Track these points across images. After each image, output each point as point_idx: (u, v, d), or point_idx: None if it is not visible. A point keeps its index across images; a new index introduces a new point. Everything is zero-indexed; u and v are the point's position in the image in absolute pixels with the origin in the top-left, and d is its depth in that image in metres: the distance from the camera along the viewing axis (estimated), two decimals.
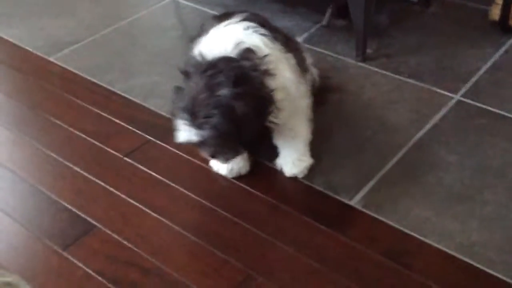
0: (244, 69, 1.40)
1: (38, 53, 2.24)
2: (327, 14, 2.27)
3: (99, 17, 2.44)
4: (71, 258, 1.45)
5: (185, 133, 1.42)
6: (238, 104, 1.37)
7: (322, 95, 1.90)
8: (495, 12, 2.19)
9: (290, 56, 1.55)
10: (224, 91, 1.37)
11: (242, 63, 1.41)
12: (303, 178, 1.66)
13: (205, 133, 1.39)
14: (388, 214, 1.54)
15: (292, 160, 1.65)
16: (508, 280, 1.37)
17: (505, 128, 1.79)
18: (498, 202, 1.56)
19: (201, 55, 1.44)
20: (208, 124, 1.38)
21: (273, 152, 1.68)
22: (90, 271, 1.42)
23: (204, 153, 1.52)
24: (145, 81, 2.07)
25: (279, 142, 1.66)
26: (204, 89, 1.38)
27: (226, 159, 1.55)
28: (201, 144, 1.45)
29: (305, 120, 1.64)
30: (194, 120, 1.39)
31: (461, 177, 1.64)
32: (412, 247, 1.46)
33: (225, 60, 1.41)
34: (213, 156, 1.52)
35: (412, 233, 1.49)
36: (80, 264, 1.44)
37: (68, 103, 1.98)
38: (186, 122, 1.40)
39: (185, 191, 1.64)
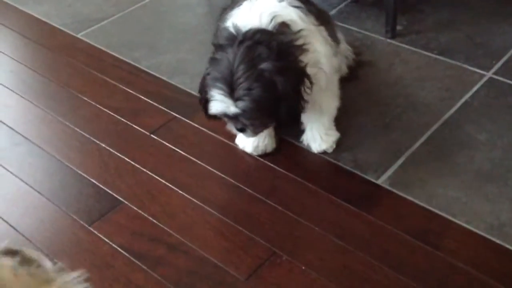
0: (283, 43, 1.38)
1: (66, 30, 2.25)
2: None
3: None
4: (97, 233, 1.47)
5: (220, 104, 1.40)
6: (279, 79, 1.36)
7: (352, 71, 1.87)
8: None
9: (322, 29, 1.53)
10: (266, 65, 1.35)
11: (280, 37, 1.39)
12: (329, 155, 1.64)
13: (244, 105, 1.36)
14: (416, 194, 1.52)
15: (320, 135, 1.63)
16: None
17: None
18: None
19: (235, 27, 1.41)
20: (248, 97, 1.35)
21: (298, 129, 1.66)
22: (116, 246, 1.43)
23: (233, 127, 1.48)
24: (172, 58, 2.07)
25: (305, 117, 1.63)
26: (243, 61, 1.35)
27: (255, 133, 1.50)
28: (235, 116, 1.41)
29: (334, 95, 1.62)
30: (233, 91, 1.36)
31: (492, 157, 1.60)
32: (440, 227, 1.44)
33: (263, 33, 1.38)
34: (242, 130, 1.47)
35: (441, 213, 1.47)
36: (106, 239, 1.45)
37: (95, 80, 1.99)
38: (223, 93, 1.37)
39: (211, 168, 1.63)
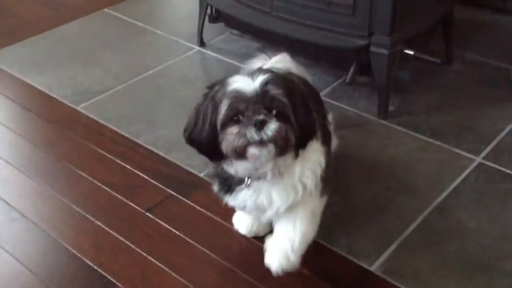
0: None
1: (66, 102, 2.29)
2: (351, 72, 2.29)
3: (127, 67, 2.50)
4: None
5: (241, 80, 1.24)
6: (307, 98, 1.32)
7: (344, 152, 1.91)
8: None
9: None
10: (297, 81, 1.35)
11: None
12: (323, 239, 1.66)
13: (271, 87, 1.22)
14: (409, 282, 1.53)
15: (280, 254, 1.43)
16: None
17: None
18: None
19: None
20: (276, 86, 1.23)
21: None
22: None
23: (250, 123, 1.21)
24: (170, 133, 2.11)
25: (276, 223, 1.47)
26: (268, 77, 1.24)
27: (274, 137, 1.22)
28: (256, 101, 1.21)
29: (312, 214, 1.44)
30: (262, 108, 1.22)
31: (482, 245, 1.63)
32: None
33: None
34: (262, 123, 1.20)
35: None
36: None
37: (93, 155, 2.02)
38: (244, 76, 1.25)
39: (204, 249, 1.65)
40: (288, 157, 1.30)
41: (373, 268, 1.57)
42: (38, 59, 2.56)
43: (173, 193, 1.85)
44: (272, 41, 2.33)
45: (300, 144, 1.29)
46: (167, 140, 2.07)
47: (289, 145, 1.25)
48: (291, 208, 1.39)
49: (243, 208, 1.45)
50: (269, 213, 1.40)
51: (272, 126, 1.20)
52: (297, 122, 1.25)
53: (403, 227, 1.69)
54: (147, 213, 1.78)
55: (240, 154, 1.24)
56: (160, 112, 2.23)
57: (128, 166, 1.96)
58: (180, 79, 2.43)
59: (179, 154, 2.00)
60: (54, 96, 2.33)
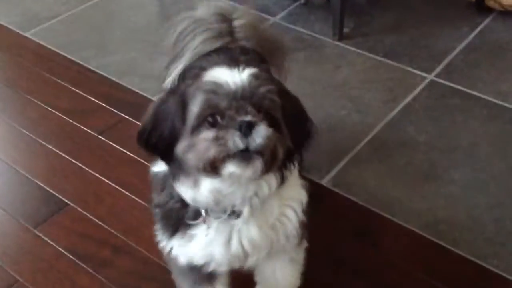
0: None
1: (14, 29, 2.22)
2: None
3: None
4: (42, 236, 1.47)
5: (223, 71, 0.93)
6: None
7: (299, 74, 1.91)
8: None
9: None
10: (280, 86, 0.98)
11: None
12: None
13: (259, 82, 0.91)
14: (358, 194, 1.57)
15: None
16: (470, 257, 1.41)
17: (476, 109, 1.81)
18: (464, 182, 1.59)
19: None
20: (267, 83, 0.93)
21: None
22: (60, 249, 1.44)
23: (233, 125, 0.87)
24: (122, 58, 2.07)
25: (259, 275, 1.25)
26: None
27: (262, 149, 0.88)
28: (241, 98, 0.89)
29: (293, 263, 1.21)
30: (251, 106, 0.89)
31: (430, 157, 1.67)
32: (379, 226, 1.49)
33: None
34: (250, 126, 0.87)
35: (381, 212, 1.52)
36: (51, 242, 1.45)
37: (43, 80, 1.98)
38: (225, 67, 0.95)
39: None
40: (273, 182, 0.96)
41: (323, 182, 1.60)
42: None
43: (126, 116, 1.83)
44: None
45: (285, 164, 0.95)
46: (119, 65, 2.04)
47: (276, 161, 0.91)
48: (266, 259, 1.10)
49: (200, 262, 1.05)
50: (248, 263, 1.06)
51: (263, 132, 0.87)
52: (289, 132, 0.93)
53: (354, 143, 1.72)
54: (100, 136, 1.76)
55: (213, 168, 0.88)
56: (112, 38, 2.18)
57: (79, 91, 1.93)
58: (131, 4, 2.36)
59: (132, 79, 1.97)
60: (2, 23, 2.25)
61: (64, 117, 1.83)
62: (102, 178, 1.63)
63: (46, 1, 2.37)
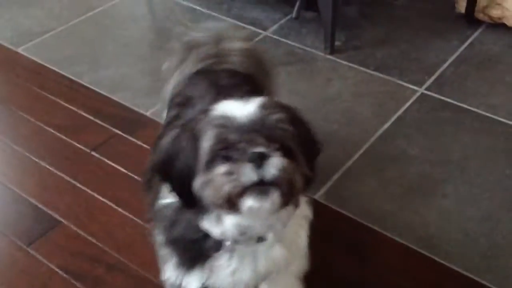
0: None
1: (6, 44, 2.22)
2: (297, 6, 2.28)
3: (69, 7, 2.42)
4: (35, 254, 1.46)
5: (230, 104, 0.94)
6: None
7: (291, 88, 1.92)
8: (462, 5, 2.21)
9: None
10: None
11: None
12: None
13: (275, 111, 0.91)
14: (350, 208, 1.57)
15: None
16: (463, 271, 1.41)
17: (467, 122, 1.83)
18: (456, 195, 1.60)
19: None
20: (281, 111, 0.93)
21: None
22: (54, 267, 1.43)
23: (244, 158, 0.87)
24: (114, 73, 2.07)
25: None
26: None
27: (280, 180, 0.88)
28: (252, 131, 0.89)
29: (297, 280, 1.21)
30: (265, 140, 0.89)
31: (422, 171, 1.67)
32: (372, 240, 1.50)
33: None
34: (262, 157, 0.87)
35: (373, 227, 1.53)
36: (44, 260, 1.45)
37: (35, 96, 1.98)
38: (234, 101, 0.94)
39: None
40: (291, 208, 0.96)
41: (316, 196, 1.61)
42: None
43: (119, 132, 1.83)
44: None
45: (304, 190, 0.96)
46: (112, 80, 2.04)
47: (295, 191, 0.91)
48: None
49: None
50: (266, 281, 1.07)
51: (276, 162, 0.87)
52: (305, 158, 0.92)
53: (346, 157, 1.72)
54: (92, 152, 1.76)
55: (231, 204, 0.88)
56: (104, 52, 2.19)
57: (71, 107, 1.93)
58: (124, 18, 2.37)
59: (124, 94, 1.98)
60: None
61: (57, 133, 1.82)
62: (95, 195, 1.62)
63: (38, 16, 2.38)
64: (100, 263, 1.44)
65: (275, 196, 0.87)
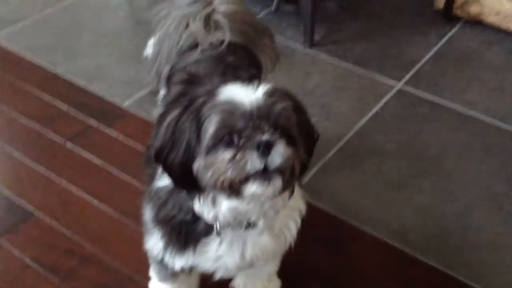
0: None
1: None
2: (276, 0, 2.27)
3: None
4: (8, 246, 1.44)
5: (237, 89, 0.93)
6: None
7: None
8: (440, 1, 2.23)
9: None
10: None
11: None
12: None
13: (277, 98, 0.91)
14: (327, 202, 1.57)
15: (262, 283, 1.30)
16: (439, 267, 1.42)
17: (444, 118, 1.84)
18: (432, 190, 1.61)
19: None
20: (284, 99, 0.93)
21: None
22: (27, 259, 1.41)
23: (249, 144, 0.88)
24: (90, 63, 2.04)
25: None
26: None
27: (281, 164, 0.89)
28: (257, 117, 0.89)
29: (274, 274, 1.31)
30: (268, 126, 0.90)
31: (399, 166, 1.68)
32: (349, 235, 1.50)
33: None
34: (268, 146, 0.88)
35: (350, 221, 1.53)
36: (17, 253, 1.42)
37: (9, 85, 1.94)
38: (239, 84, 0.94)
39: (128, 178, 1.63)
40: (286, 195, 0.98)
41: None
42: None
43: (95, 122, 1.80)
44: None
45: (299, 177, 0.97)
46: (88, 70, 2.01)
47: (294, 178, 0.93)
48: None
49: (210, 271, 1.09)
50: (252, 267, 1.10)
51: (281, 150, 0.88)
52: (303, 145, 0.95)
53: (324, 151, 1.72)
54: (68, 143, 1.73)
55: (233, 189, 0.89)
56: (80, 42, 2.15)
57: (46, 97, 1.89)
58: (101, 8, 2.33)
59: (101, 84, 1.95)
60: None
61: (31, 124, 1.79)
62: (69, 186, 1.60)
63: (12, 2, 2.33)
64: (74, 255, 1.42)
65: (277, 183, 0.89)
